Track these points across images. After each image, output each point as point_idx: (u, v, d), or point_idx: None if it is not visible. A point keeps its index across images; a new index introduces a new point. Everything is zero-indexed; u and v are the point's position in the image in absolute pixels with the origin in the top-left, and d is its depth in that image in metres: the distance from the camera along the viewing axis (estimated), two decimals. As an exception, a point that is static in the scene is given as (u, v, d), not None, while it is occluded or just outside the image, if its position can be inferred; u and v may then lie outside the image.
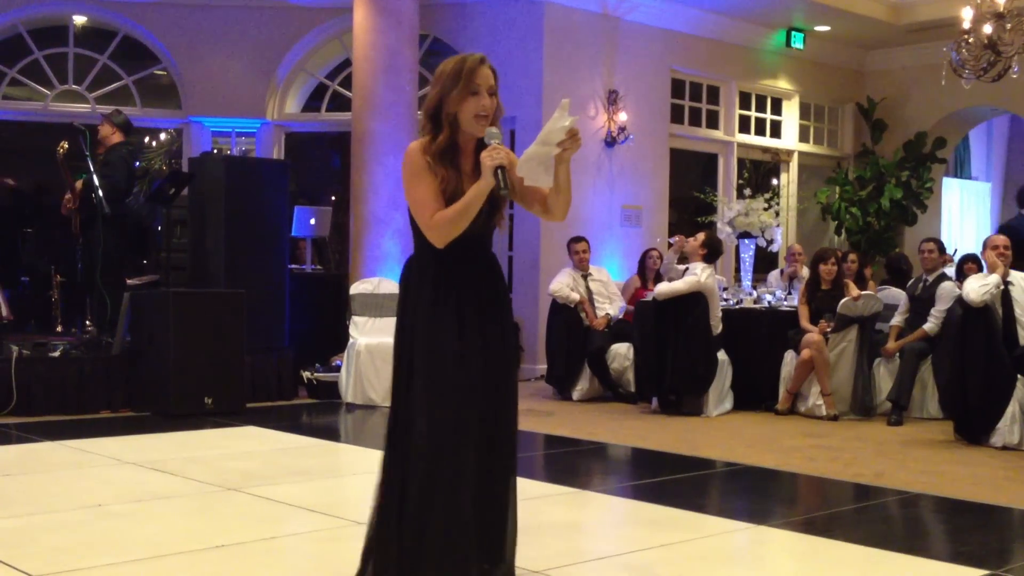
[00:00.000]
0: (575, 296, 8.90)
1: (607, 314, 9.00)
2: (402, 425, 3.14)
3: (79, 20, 11.23)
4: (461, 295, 3.16)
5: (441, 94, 3.12)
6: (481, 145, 3.14)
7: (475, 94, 3.09)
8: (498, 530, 3.17)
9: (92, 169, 8.14)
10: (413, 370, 3.14)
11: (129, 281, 8.32)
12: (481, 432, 3.11)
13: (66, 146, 8.15)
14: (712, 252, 8.21)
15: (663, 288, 8.08)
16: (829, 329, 7.89)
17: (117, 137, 8.47)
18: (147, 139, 11.24)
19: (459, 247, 3.13)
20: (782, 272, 10.04)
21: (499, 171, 3.02)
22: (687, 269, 8.18)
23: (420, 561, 3.07)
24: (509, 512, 3.19)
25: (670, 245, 8.96)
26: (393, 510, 3.12)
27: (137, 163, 8.94)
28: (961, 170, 15.10)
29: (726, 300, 8.65)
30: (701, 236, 8.31)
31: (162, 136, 11.62)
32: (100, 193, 8.03)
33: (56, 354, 7.58)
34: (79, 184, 8.20)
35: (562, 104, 3.05)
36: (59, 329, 8.63)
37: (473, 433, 3.09)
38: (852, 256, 8.99)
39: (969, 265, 9.82)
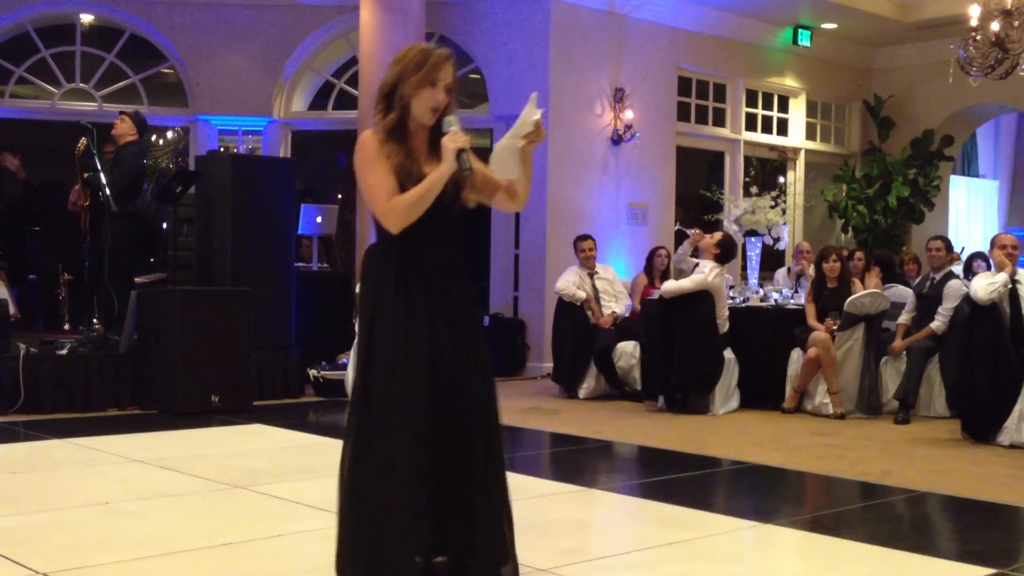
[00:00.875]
0: (581, 294, 8.90)
1: (613, 312, 9.00)
2: (359, 417, 3.14)
3: (86, 18, 11.24)
4: (426, 284, 3.13)
5: (399, 76, 3.14)
6: (433, 133, 3.17)
7: (432, 86, 3.12)
8: (467, 524, 3.12)
9: (99, 167, 8.15)
10: (371, 361, 3.12)
11: (136, 279, 8.32)
12: (443, 425, 3.07)
13: (85, 142, 8.18)
14: (725, 253, 8.20)
15: (669, 286, 8.08)
16: (835, 327, 7.88)
17: (133, 136, 8.50)
18: (154, 137, 11.25)
19: (421, 232, 3.12)
20: (789, 270, 10.03)
21: (461, 153, 3.06)
22: (697, 265, 8.17)
23: (359, 552, 3.08)
24: (482, 506, 3.14)
25: (687, 236, 8.98)
26: (343, 501, 3.16)
27: (145, 161, 8.96)
28: (968, 168, 15.07)
29: (732, 298, 8.64)
30: (718, 235, 8.30)
31: (169, 134, 11.63)
32: (107, 191, 8.05)
33: (64, 352, 7.60)
34: (85, 177, 8.23)
35: (531, 98, 3.12)
36: (66, 327, 8.65)
37: (427, 426, 3.05)
38: (859, 254, 8.97)
39: (979, 262, 9.80)
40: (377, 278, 3.17)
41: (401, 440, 3.04)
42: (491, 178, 3.25)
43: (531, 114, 3.11)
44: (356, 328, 8.54)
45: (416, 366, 3.07)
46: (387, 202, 3.08)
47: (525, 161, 3.18)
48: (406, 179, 3.10)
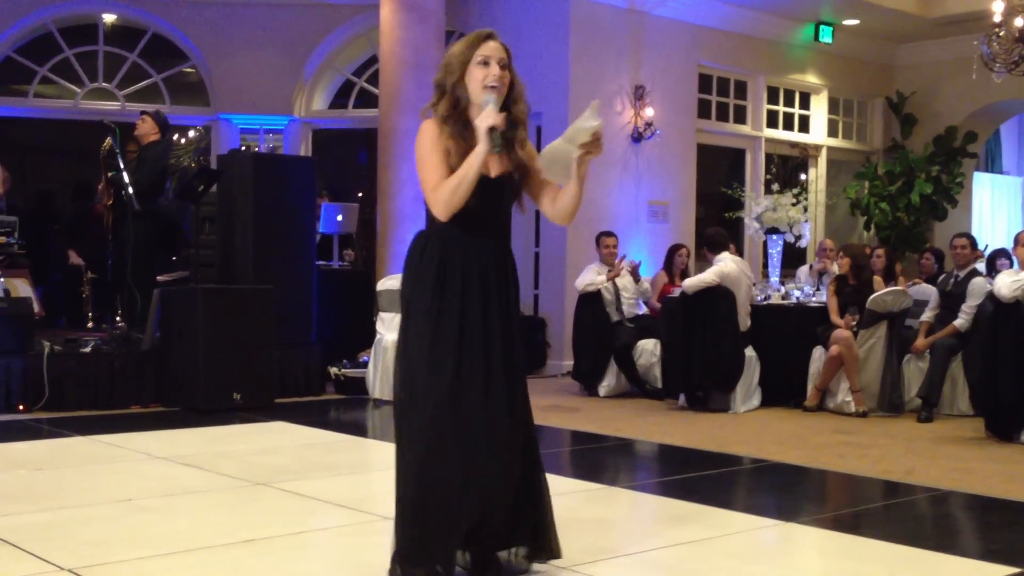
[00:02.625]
0: (601, 278, 8.88)
1: (627, 259, 9.02)
2: (405, 407, 3.16)
3: (109, 18, 11.32)
4: (465, 277, 3.13)
5: (446, 65, 3.17)
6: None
7: (484, 64, 3.12)
8: (523, 516, 3.19)
9: (122, 166, 8.20)
10: (409, 351, 3.14)
11: (159, 278, 8.37)
12: (484, 417, 3.10)
13: (110, 142, 8.23)
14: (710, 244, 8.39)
15: (691, 281, 8.07)
16: (854, 323, 7.84)
17: (155, 136, 8.55)
18: (176, 136, 11.31)
19: (469, 224, 3.12)
20: (811, 268, 9.99)
21: (491, 131, 3.04)
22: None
23: (414, 549, 3.11)
24: (534, 498, 3.22)
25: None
26: (400, 497, 3.17)
27: (168, 161, 9.00)
28: (992, 164, 14.96)
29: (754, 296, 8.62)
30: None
31: (191, 133, 11.69)
32: (130, 190, 8.10)
33: (87, 350, 7.65)
34: (109, 176, 8.28)
35: (592, 105, 3.03)
36: (90, 325, 8.71)
37: (474, 418, 3.09)
38: (879, 251, 8.93)
39: (1002, 260, 9.74)
40: (416, 270, 3.18)
41: (438, 433, 3.07)
42: (537, 174, 3.22)
43: (588, 121, 3.00)
44: (376, 325, 8.61)
45: (447, 361, 3.08)
46: (433, 191, 3.10)
47: (579, 173, 3.10)
48: (459, 165, 3.11)
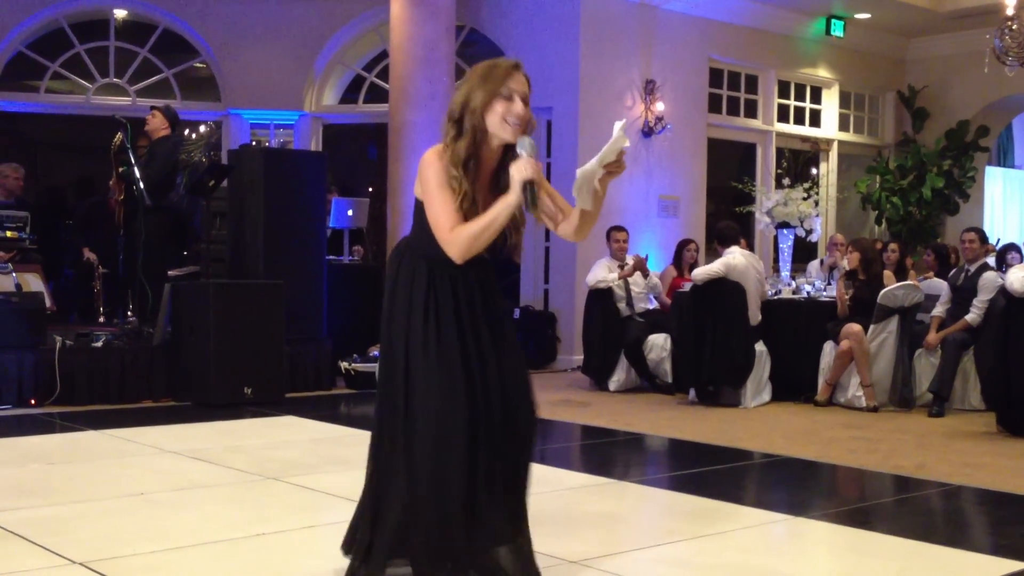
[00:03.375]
0: (613, 276, 8.88)
1: (636, 255, 9.04)
2: (396, 414, 3.11)
3: (120, 14, 11.34)
4: (456, 296, 3.07)
5: (468, 95, 2.97)
6: (504, 160, 3.01)
7: (507, 99, 2.94)
8: (510, 517, 3.14)
9: (133, 161, 8.22)
10: (408, 366, 3.06)
11: (170, 272, 8.39)
12: (484, 421, 3.06)
13: (121, 138, 8.25)
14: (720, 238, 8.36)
15: (699, 272, 8.08)
16: (847, 296, 7.83)
17: (165, 131, 8.57)
18: (187, 131, 11.33)
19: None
20: (822, 262, 9.97)
21: (528, 186, 2.88)
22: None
23: (416, 548, 3.09)
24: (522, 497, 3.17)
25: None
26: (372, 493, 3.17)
27: (179, 156, 9.01)
28: (1004, 159, 14.90)
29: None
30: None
31: (201, 128, 11.70)
32: (141, 185, 8.12)
33: (99, 344, 7.67)
34: (120, 171, 8.30)
35: (618, 126, 2.91)
36: (101, 320, 8.73)
37: (471, 424, 3.04)
38: (893, 246, 8.91)
39: (1013, 254, 9.71)
40: (411, 288, 3.09)
41: (437, 445, 3.04)
42: (559, 205, 3.10)
43: (619, 142, 2.90)
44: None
45: (453, 380, 3.03)
46: (449, 231, 2.94)
47: (602, 191, 3.00)
48: (470, 207, 2.96)
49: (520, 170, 2.90)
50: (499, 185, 3.03)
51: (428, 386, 3.04)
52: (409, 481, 3.10)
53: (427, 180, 3.00)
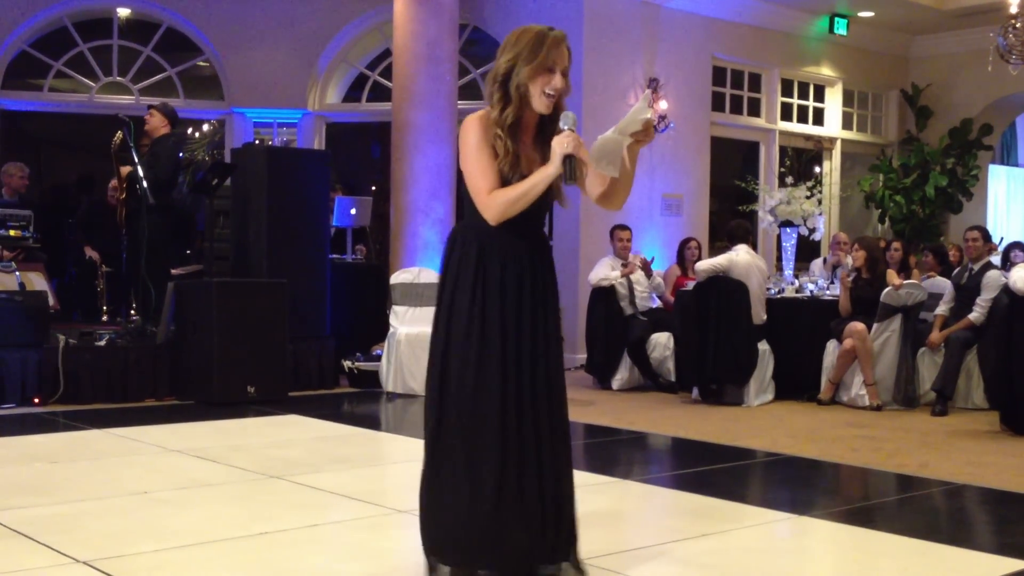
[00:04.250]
0: (615, 274, 8.88)
1: (641, 256, 9.05)
2: (438, 406, 3.12)
3: (123, 12, 11.34)
4: (505, 275, 3.09)
5: (513, 63, 3.04)
6: (544, 123, 3.09)
7: (550, 71, 3.02)
8: (550, 522, 3.14)
9: (137, 160, 8.22)
10: (449, 351, 3.09)
11: (173, 271, 8.40)
12: (519, 419, 3.08)
13: (122, 135, 8.25)
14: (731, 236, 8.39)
15: (703, 265, 8.09)
16: (850, 279, 7.84)
17: (165, 129, 8.56)
18: (190, 130, 11.35)
19: (509, 223, 3.07)
20: (825, 261, 9.96)
21: (568, 160, 2.97)
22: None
23: (441, 544, 3.09)
24: (564, 505, 3.18)
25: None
26: (428, 491, 3.14)
27: (181, 154, 9.03)
28: (1008, 157, 14.88)
29: (768, 289, 8.60)
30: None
31: (205, 127, 11.73)
32: (145, 184, 8.12)
33: (102, 343, 7.68)
34: (125, 170, 8.31)
35: (644, 95, 3.02)
36: (104, 318, 8.74)
37: (508, 421, 3.06)
38: (896, 244, 8.90)
39: (1016, 252, 9.70)
40: (459, 263, 3.12)
41: (476, 432, 3.05)
42: (584, 165, 3.14)
43: (640, 112, 2.97)
44: (390, 319, 8.63)
45: (491, 363, 3.05)
46: (487, 195, 3.02)
47: (631, 161, 3.07)
48: (512, 173, 3.04)
49: (562, 143, 2.97)
50: (539, 148, 3.11)
51: (464, 376, 3.06)
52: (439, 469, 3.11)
53: (467, 144, 3.07)
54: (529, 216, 3.11)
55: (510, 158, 3.04)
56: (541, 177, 3.00)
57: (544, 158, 3.06)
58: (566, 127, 3.00)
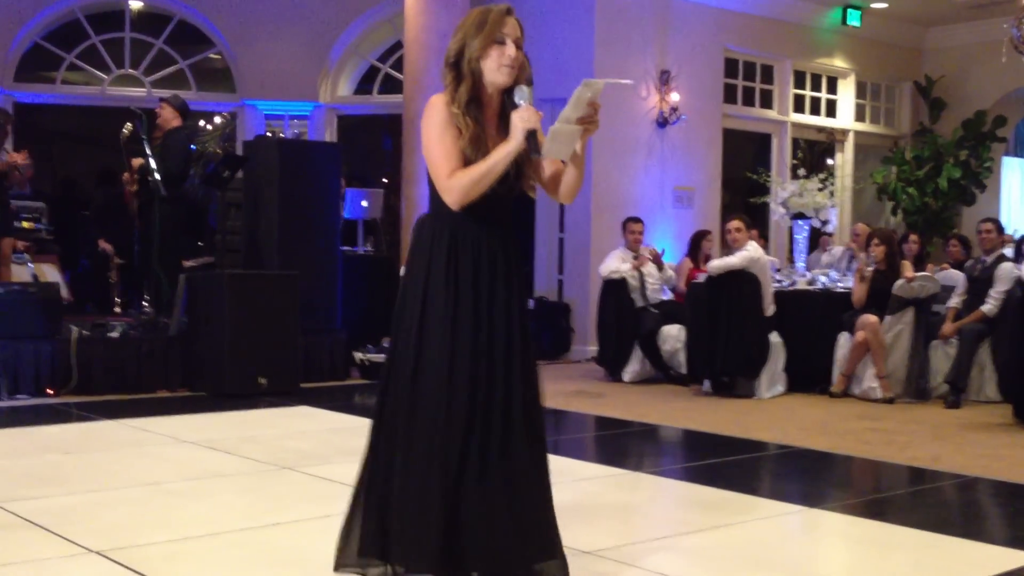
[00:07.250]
0: (626, 266, 8.87)
1: (651, 248, 9.02)
2: (395, 398, 3.05)
3: (135, 5, 11.37)
4: (476, 267, 3.00)
5: (463, 42, 2.99)
6: (504, 99, 3.03)
7: (500, 43, 2.97)
8: (522, 521, 3.00)
9: (149, 152, 8.24)
10: (423, 345, 2.98)
11: (185, 263, 8.42)
12: (482, 413, 2.96)
13: (131, 127, 8.27)
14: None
15: (716, 263, 8.07)
16: (870, 268, 7.83)
17: (177, 121, 8.58)
18: (202, 123, 11.36)
19: (479, 210, 2.98)
20: (828, 250, 9.93)
21: (531, 134, 2.90)
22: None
23: (392, 537, 3.06)
24: (525, 494, 3.02)
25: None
26: (373, 482, 3.15)
27: (192, 147, 9.04)
28: (1021, 149, 14.80)
29: (779, 281, 8.58)
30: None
31: (216, 119, 11.74)
32: (157, 176, 8.14)
33: (115, 335, 7.71)
34: (136, 162, 8.33)
35: (583, 82, 2.92)
36: (117, 310, 8.77)
37: (473, 416, 2.95)
38: (913, 237, 8.87)
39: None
40: (430, 256, 3.03)
41: (440, 426, 2.95)
42: (549, 163, 3.10)
43: (582, 96, 2.92)
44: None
45: (461, 356, 2.96)
46: (449, 177, 2.93)
47: (578, 147, 3.00)
48: (475, 153, 2.95)
49: (523, 118, 2.92)
50: (503, 131, 3.03)
51: (435, 366, 2.97)
52: (399, 463, 3.05)
53: (427, 127, 3.00)
54: (496, 202, 3.02)
55: (471, 135, 2.96)
56: (502, 154, 2.92)
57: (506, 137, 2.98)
58: (523, 102, 2.95)
